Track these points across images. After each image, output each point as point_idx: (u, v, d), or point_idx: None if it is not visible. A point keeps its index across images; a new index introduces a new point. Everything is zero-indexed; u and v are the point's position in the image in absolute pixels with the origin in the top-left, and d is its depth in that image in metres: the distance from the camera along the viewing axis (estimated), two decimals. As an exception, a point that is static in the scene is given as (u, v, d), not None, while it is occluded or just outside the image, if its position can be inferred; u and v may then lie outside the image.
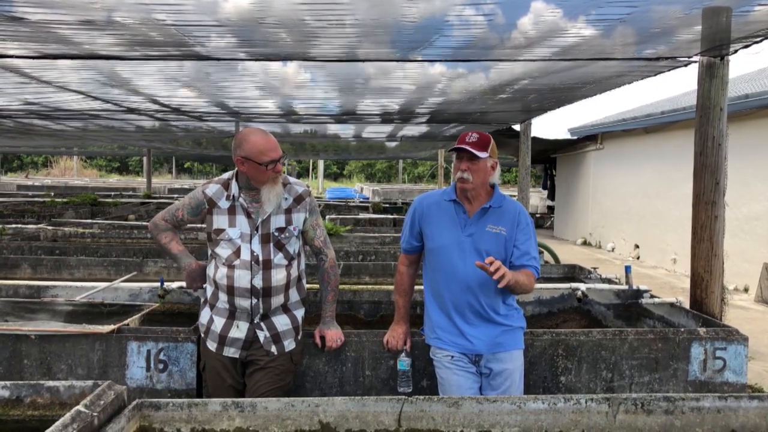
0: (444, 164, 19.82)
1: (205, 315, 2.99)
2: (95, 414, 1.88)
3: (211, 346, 2.94)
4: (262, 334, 2.91)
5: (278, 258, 2.89)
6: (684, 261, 9.98)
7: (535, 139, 11.21)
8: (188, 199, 3.00)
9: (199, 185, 3.06)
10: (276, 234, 2.89)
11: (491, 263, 2.63)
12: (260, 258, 2.85)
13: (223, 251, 2.87)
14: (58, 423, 1.78)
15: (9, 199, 15.36)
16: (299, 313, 3.05)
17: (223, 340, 2.91)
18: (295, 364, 3.09)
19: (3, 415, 2.11)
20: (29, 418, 2.11)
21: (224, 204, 2.90)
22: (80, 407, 1.88)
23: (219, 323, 2.92)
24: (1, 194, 17.32)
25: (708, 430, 2.12)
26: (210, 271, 2.95)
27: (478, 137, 2.89)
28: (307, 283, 3.17)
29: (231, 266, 2.85)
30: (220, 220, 2.89)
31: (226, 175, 2.99)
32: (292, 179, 3.03)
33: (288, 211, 2.94)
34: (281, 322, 2.96)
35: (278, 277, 2.89)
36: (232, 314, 2.90)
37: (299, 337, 3.06)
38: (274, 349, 2.93)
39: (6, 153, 32.14)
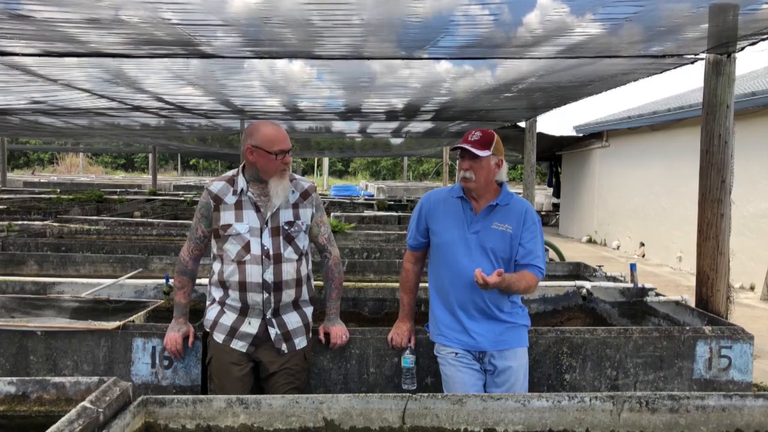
0: (449, 161, 19.81)
1: (213, 311, 2.97)
2: (101, 410, 1.89)
3: (219, 338, 2.92)
4: (273, 332, 2.90)
5: (288, 252, 2.89)
6: (690, 259, 9.94)
7: (540, 134, 11.17)
8: (198, 211, 2.98)
9: (205, 182, 3.05)
10: (285, 227, 2.90)
11: (482, 278, 2.64)
12: (271, 252, 2.85)
13: (232, 247, 2.86)
14: (64, 419, 1.79)
15: (15, 195, 15.39)
16: (309, 311, 3.05)
17: (233, 332, 2.89)
18: (308, 362, 3.10)
19: (9, 411, 2.13)
20: (35, 414, 2.12)
21: (231, 199, 2.89)
22: (86, 403, 1.89)
23: (230, 317, 2.91)
24: (8, 191, 17.36)
25: (713, 428, 2.11)
26: (216, 270, 2.94)
27: (480, 135, 2.89)
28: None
29: (241, 262, 2.84)
30: (226, 216, 2.88)
31: (230, 172, 2.99)
32: (297, 176, 3.05)
33: (295, 206, 2.95)
34: (292, 320, 2.96)
35: (289, 270, 2.89)
36: (243, 311, 2.89)
37: (310, 335, 3.07)
38: (284, 347, 2.92)
39: (12, 150, 32.28)
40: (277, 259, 2.87)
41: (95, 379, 2.16)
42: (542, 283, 4.23)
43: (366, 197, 18.84)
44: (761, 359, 5.71)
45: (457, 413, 2.09)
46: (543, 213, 20.30)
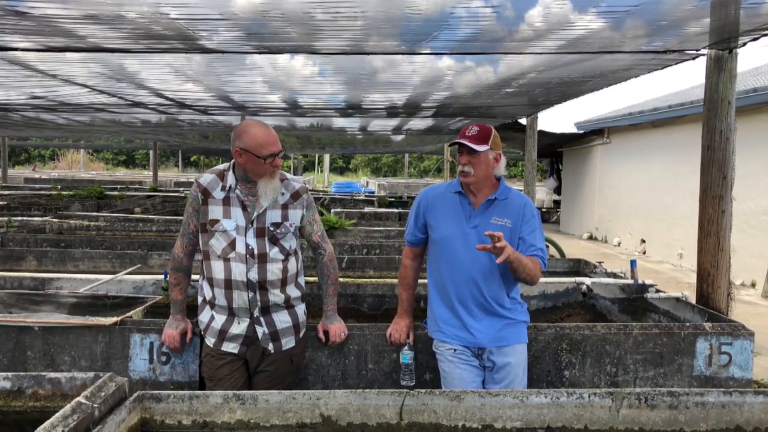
0: (450, 158, 19.79)
1: (205, 314, 2.95)
2: (96, 405, 1.87)
3: (210, 341, 2.91)
4: (261, 330, 2.88)
5: (274, 252, 2.86)
6: (690, 256, 9.92)
7: (541, 132, 11.15)
8: (189, 205, 2.93)
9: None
10: (271, 229, 2.86)
11: (498, 239, 2.60)
12: (255, 251, 2.82)
13: (218, 243, 2.83)
14: (58, 414, 1.78)
15: (16, 191, 15.42)
16: (300, 310, 3.03)
17: (223, 335, 2.88)
18: (296, 365, 3.07)
19: (4, 407, 2.11)
20: (30, 410, 2.11)
21: (219, 194, 2.85)
22: (81, 399, 1.88)
23: (220, 320, 2.89)
24: (9, 187, 17.39)
25: (712, 425, 2.10)
26: (204, 267, 2.91)
27: (478, 130, 2.89)
28: (308, 276, 3.15)
29: (226, 259, 2.81)
30: (214, 211, 2.85)
31: (222, 166, 2.95)
32: (289, 175, 3.01)
33: (284, 207, 2.91)
34: (281, 319, 2.93)
35: (274, 270, 2.85)
36: (232, 312, 2.86)
37: (300, 336, 3.04)
38: (271, 346, 2.90)
39: (14, 146, 32.31)
40: (262, 259, 2.83)
41: (91, 374, 2.14)
42: (542, 280, 4.22)
43: (367, 194, 18.81)
44: (762, 356, 5.70)
45: (455, 409, 2.08)
46: (544, 210, 20.28)
